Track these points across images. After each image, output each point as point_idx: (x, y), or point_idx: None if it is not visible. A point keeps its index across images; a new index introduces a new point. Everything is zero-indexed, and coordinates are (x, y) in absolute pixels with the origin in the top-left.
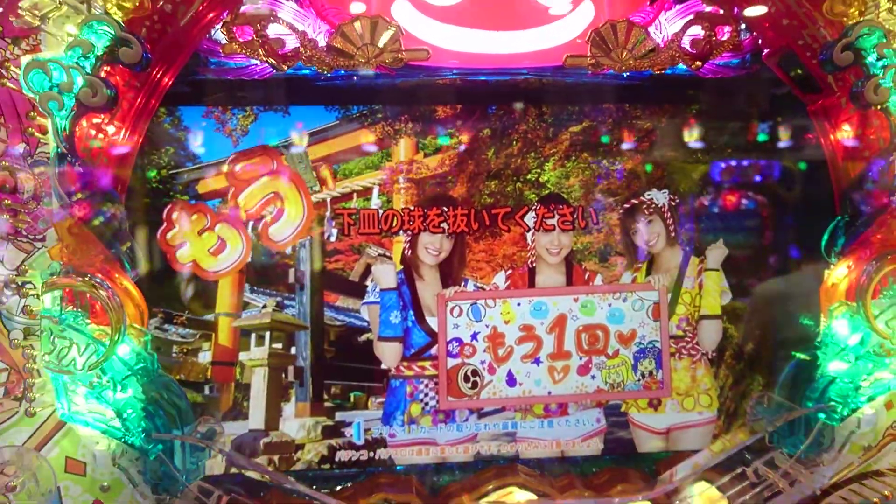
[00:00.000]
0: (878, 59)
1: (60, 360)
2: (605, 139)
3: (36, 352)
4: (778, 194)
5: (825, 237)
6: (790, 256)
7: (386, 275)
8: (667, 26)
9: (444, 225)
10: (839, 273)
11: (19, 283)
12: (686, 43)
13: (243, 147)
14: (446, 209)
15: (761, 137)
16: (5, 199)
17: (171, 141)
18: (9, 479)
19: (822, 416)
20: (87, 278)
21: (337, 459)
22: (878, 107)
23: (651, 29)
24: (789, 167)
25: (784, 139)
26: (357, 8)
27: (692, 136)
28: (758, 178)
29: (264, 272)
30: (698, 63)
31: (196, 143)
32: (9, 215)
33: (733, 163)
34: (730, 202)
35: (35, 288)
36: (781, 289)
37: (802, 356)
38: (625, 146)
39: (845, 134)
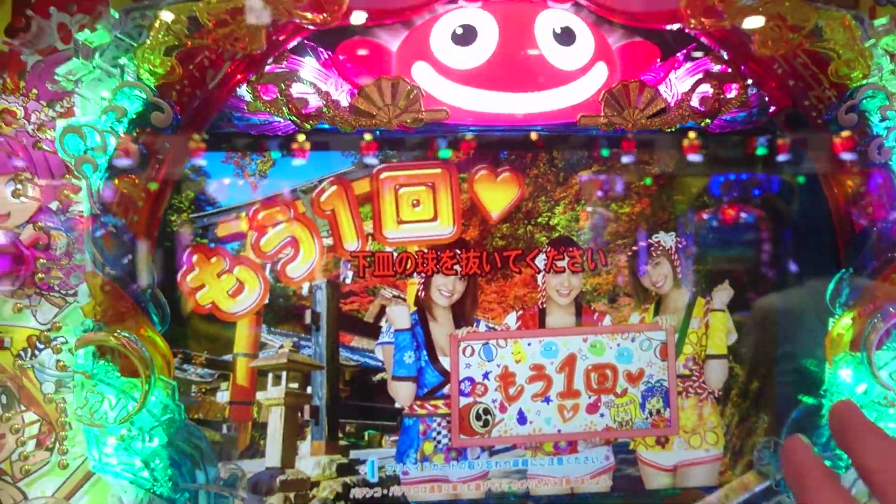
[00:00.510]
0: (881, 121)
1: (93, 414)
2: (614, 183)
3: (67, 404)
4: (784, 232)
5: (830, 287)
6: (795, 293)
7: (400, 316)
8: (677, 84)
9: (457, 267)
10: (844, 323)
11: (52, 338)
12: (695, 101)
13: (262, 191)
14: (459, 252)
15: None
16: (40, 258)
17: (191, 186)
18: None
19: (828, 462)
20: (118, 333)
21: (351, 496)
22: (881, 165)
23: (661, 87)
24: (795, 215)
25: (790, 191)
26: (377, 68)
27: (699, 181)
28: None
29: (281, 313)
30: (707, 120)
31: (216, 187)
32: (42, 274)
33: (738, 207)
34: (734, 244)
35: (67, 342)
36: (786, 328)
37: (809, 401)
38: (633, 190)
39: (849, 189)
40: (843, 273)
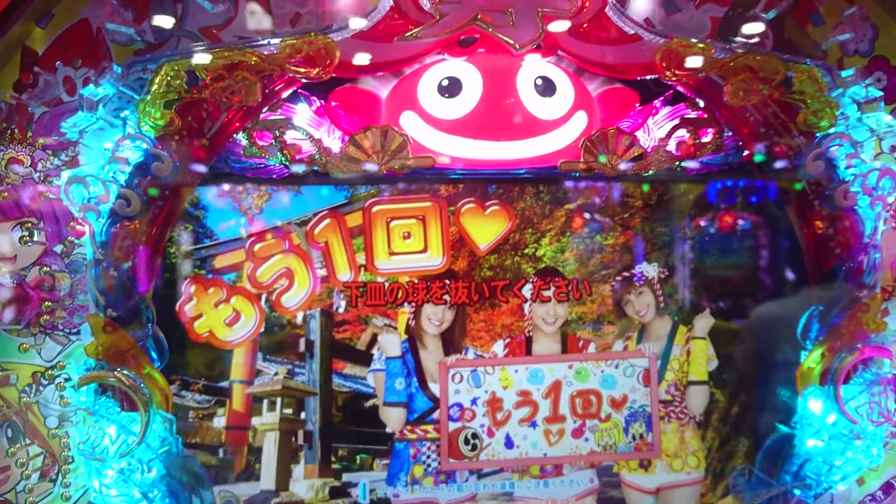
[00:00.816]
0: (847, 168)
1: (94, 449)
2: (598, 216)
3: (70, 438)
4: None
5: (801, 323)
6: (768, 323)
7: (391, 344)
8: (654, 130)
9: (446, 297)
10: (814, 357)
11: (56, 375)
12: (672, 146)
13: (258, 223)
14: (448, 282)
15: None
16: (45, 299)
17: (189, 219)
18: None
19: (797, 492)
20: (118, 371)
21: None
22: (847, 209)
23: (639, 133)
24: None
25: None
26: (367, 115)
27: (681, 214)
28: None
29: (276, 342)
30: (683, 165)
31: (213, 220)
32: (48, 315)
33: (717, 239)
34: (713, 276)
35: (70, 379)
36: (764, 356)
37: (784, 429)
38: (616, 222)
39: (818, 231)
40: (814, 310)
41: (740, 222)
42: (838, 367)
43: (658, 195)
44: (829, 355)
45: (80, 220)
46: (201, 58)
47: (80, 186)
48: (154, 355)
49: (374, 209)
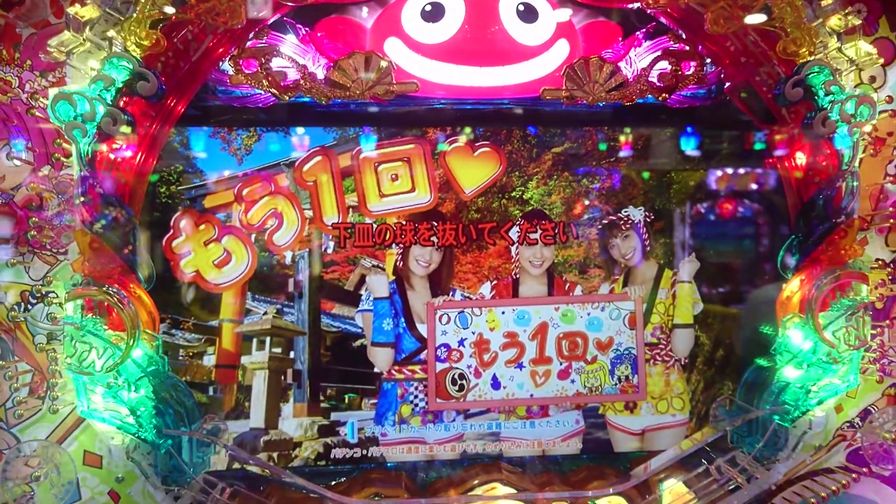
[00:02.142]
0: (826, 95)
1: (81, 363)
2: (584, 160)
3: (58, 355)
4: (749, 208)
5: (781, 254)
6: (758, 270)
7: (379, 285)
8: (637, 61)
9: (434, 238)
10: (793, 287)
11: (43, 293)
12: (654, 77)
13: (247, 164)
14: (436, 223)
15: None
16: (32, 217)
17: (180, 159)
18: (33, 469)
19: (776, 417)
20: (105, 288)
21: (332, 456)
22: (826, 137)
23: (622, 64)
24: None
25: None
26: (353, 44)
27: (666, 157)
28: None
29: (265, 281)
30: (665, 95)
31: (203, 161)
32: (35, 231)
33: (706, 181)
34: (702, 217)
35: (58, 297)
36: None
37: (762, 362)
38: (602, 166)
39: (798, 161)
40: (793, 239)
41: (727, 169)
42: (816, 293)
43: (644, 140)
44: (807, 282)
45: (66, 139)
46: None
47: (67, 104)
48: (141, 276)
49: (362, 156)
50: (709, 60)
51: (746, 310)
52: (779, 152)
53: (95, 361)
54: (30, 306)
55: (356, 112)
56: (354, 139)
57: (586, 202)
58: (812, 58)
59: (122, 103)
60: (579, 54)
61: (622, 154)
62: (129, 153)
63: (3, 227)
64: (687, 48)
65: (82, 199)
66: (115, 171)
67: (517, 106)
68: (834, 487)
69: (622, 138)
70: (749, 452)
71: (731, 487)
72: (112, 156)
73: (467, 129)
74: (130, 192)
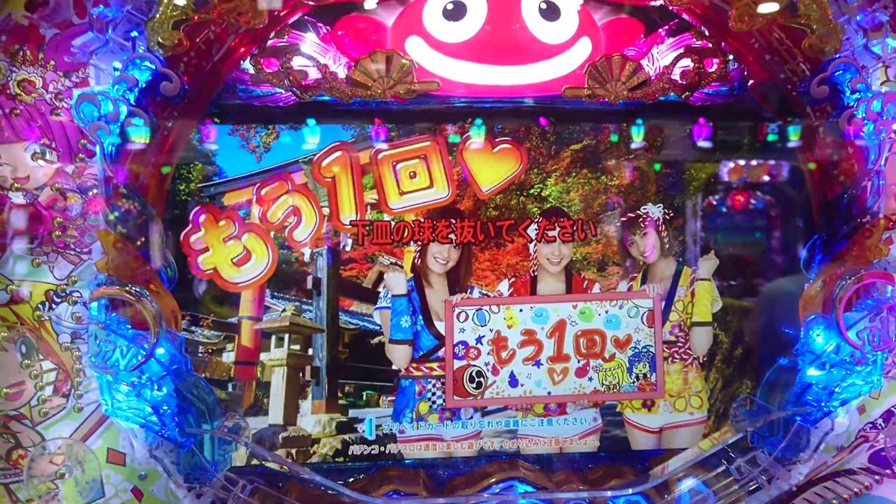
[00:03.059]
0: (851, 93)
1: (105, 362)
2: (604, 156)
3: (82, 353)
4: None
5: (804, 253)
6: (779, 268)
7: (397, 282)
8: (658, 59)
9: (452, 236)
10: (816, 286)
11: (67, 292)
12: (676, 74)
13: (266, 162)
14: (454, 221)
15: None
16: (56, 217)
17: (198, 157)
18: (58, 467)
19: (798, 418)
20: (128, 288)
21: (350, 453)
22: (852, 136)
23: (644, 62)
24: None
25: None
26: (374, 43)
27: (687, 154)
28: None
29: (284, 279)
30: (688, 93)
31: (222, 158)
32: (59, 231)
33: (728, 179)
34: (722, 214)
35: (82, 296)
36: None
37: (784, 361)
38: (622, 163)
39: (822, 159)
40: (817, 238)
41: (749, 163)
42: (840, 293)
43: (663, 136)
44: (831, 282)
45: (90, 139)
46: None
47: (91, 105)
48: (163, 276)
49: (380, 156)
50: (731, 57)
51: (765, 306)
52: (800, 148)
53: (119, 360)
54: (54, 305)
55: (375, 109)
56: (372, 136)
57: (604, 199)
58: (838, 55)
59: (144, 103)
60: (601, 52)
61: (641, 150)
62: (150, 152)
63: (19, 218)
64: (710, 45)
65: (105, 198)
66: (137, 170)
67: (538, 104)
68: (856, 489)
69: (639, 135)
70: (770, 453)
71: (751, 488)
72: (134, 155)
73: (483, 127)
74: (151, 190)
